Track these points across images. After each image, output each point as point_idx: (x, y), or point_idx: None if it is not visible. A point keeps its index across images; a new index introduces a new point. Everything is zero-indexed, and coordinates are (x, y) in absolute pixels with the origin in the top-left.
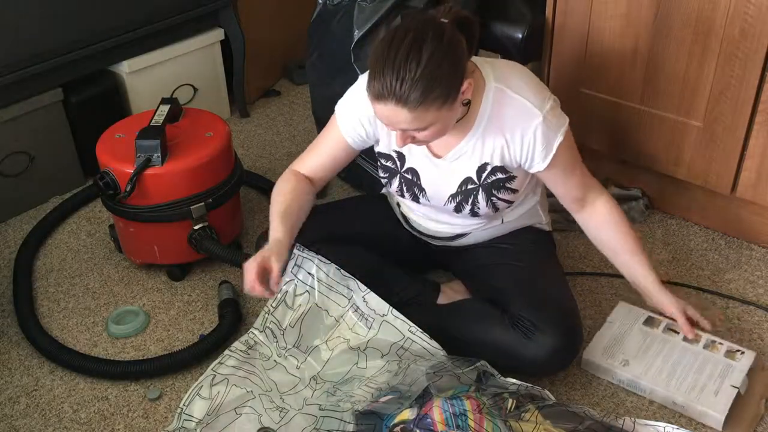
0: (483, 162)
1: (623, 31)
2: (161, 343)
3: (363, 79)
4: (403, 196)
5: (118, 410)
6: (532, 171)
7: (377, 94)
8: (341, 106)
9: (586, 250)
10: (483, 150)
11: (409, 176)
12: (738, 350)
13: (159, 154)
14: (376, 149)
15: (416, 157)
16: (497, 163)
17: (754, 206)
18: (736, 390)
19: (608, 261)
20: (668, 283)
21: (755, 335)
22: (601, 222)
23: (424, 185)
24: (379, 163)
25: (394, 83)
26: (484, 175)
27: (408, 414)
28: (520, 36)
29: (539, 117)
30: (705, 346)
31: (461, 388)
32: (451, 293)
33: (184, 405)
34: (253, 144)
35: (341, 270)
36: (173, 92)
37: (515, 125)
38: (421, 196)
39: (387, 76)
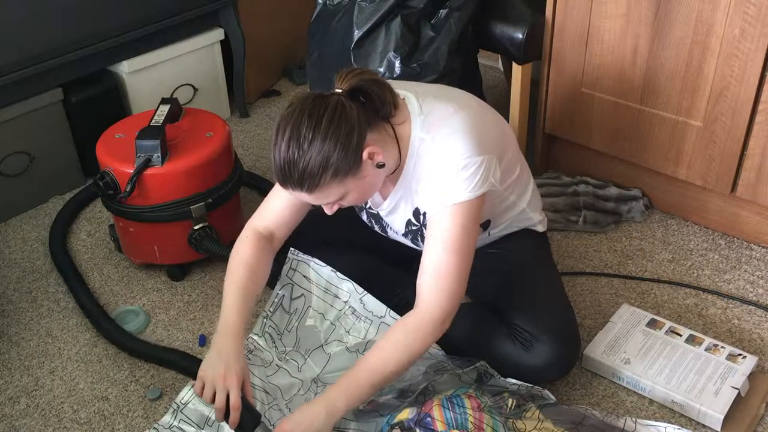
0: (415, 207)
1: (623, 31)
2: (161, 343)
3: None
4: (372, 227)
5: (118, 410)
6: (423, 210)
7: (279, 181)
8: None
9: (586, 250)
10: (412, 198)
11: (374, 212)
12: (740, 354)
13: (159, 154)
14: None
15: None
16: (407, 215)
17: (754, 206)
18: (737, 391)
19: (608, 261)
20: (668, 283)
21: (755, 335)
22: (398, 324)
23: (386, 221)
24: None
25: (285, 174)
26: (420, 217)
27: (408, 413)
28: (520, 36)
29: (445, 170)
30: (707, 349)
31: (462, 388)
32: None
33: (180, 402)
34: (253, 144)
35: (337, 272)
36: (173, 92)
37: (430, 173)
38: (388, 230)
39: (277, 167)
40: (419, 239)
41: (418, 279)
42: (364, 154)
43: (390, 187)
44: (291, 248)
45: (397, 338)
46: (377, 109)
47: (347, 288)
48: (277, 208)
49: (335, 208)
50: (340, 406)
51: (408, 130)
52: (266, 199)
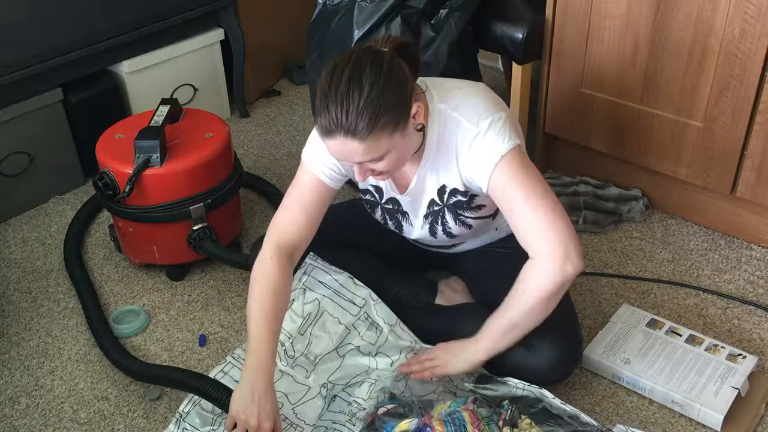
0: (441, 184)
1: (623, 31)
2: (161, 343)
3: None
4: (386, 224)
5: (118, 410)
6: (478, 192)
7: (326, 130)
8: (307, 151)
9: (586, 250)
10: (438, 174)
11: (390, 206)
12: (740, 354)
13: (158, 155)
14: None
15: (394, 188)
16: (454, 185)
17: (754, 206)
18: (737, 391)
19: (608, 261)
20: (668, 283)
21: (755, 335)
22: (522, 277)
23: (405, 209)
24: (361, 196)
25: (339, 115)
26: (445, 196)
27: (408, 425)
28: (520, 36)
29: (474, 132)
30: (707, 349)
31: (459, 401)
32: (450, 293)
33: (183, 411)
34: (253, 144)
35: (353, 278)
36: (173, 92)
37: (458, 144)
38: (404, 222)
39: (332, 109)
40: (437, 224)
41: (523, 243)
42: (413, 109)
43: (414, 166)
44: (310, 253)
45: (531, 283)
46: (415, 71)
47: (363, 294)
48: (296, 220)
49: (368, 174)
50: (488, 348)
51: (426, 102)
52: (280, 212)
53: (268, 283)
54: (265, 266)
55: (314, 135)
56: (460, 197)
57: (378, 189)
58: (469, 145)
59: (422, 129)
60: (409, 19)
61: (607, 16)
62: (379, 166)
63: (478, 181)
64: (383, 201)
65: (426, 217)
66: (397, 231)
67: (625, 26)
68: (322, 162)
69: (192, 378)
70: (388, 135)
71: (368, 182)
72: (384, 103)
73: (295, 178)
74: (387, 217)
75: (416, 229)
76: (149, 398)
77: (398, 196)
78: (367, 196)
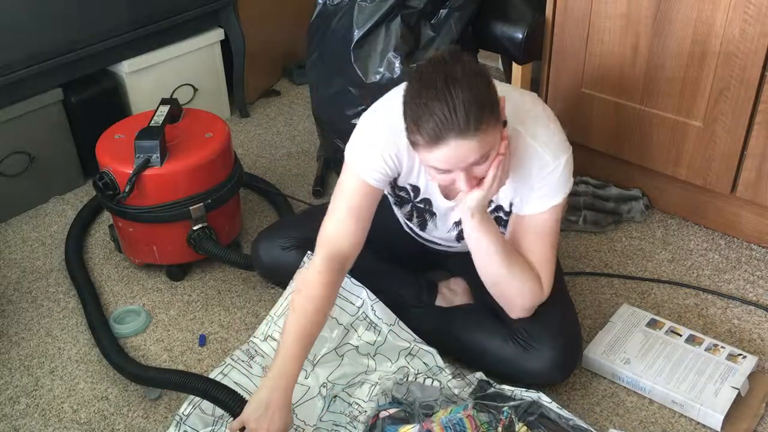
0: (498, 204)
1: (623, 31)
2: (161, 343)
3: (367, 117)
4: (411, 220)
5: (118, 410)
6: (516, 210)
7: (435, 136)
8: (354, 151)
9: (586, 250)
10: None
11: (422, 205)
12: (740, 354)
13: (158, 155)
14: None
15: (432, 190)
16: (502, 203)
17: (754, 206)
18: (737, 391)
19: (608, 261)
20: (668, 283)
21: (755, 335)
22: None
23: (435, 210)
24: (389, 191)
25: (449, 115)
26: (494, 212)
27: (409, 430)
28: (521, 36)
29: (552, 167)
30: (707, 349)
31: (460, 407)
32: (450, 295)
33: (183, 413)
34: (253, 144)
35: (351, 278)
36: (173, 92)
37: (533, 172)
38: (429, 221)
39: (437, 112)
40: None
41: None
42: (501, 101)
43: None
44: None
45: (527, 277)
46: None
47: (361, 294)
48: (346, 227)
49: (474, 183)
50: None
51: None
52: (328, 220)
53: (311, 298)
54: (313, 279)
55: (362, 132)
56: (501, 214)
57: (415, 188)
58: (542, 177)
59: (506, 124)
60: (409, 19)
61: (607, 16)
62: (484, 168)
63: (528, 206)
64: (417, 199)
65: (457, 224)
66: (417, 228)
67: (625, 26)
68: (371, 164)
69: (201, 382)
70: (492, 126)
71: (409, 180)
72: (482, 93)
73: (338, 183)
74: (414, 213)
75: (441, 231)
76: (149, 398)
77: (439, 201)
78: (401, 193)
